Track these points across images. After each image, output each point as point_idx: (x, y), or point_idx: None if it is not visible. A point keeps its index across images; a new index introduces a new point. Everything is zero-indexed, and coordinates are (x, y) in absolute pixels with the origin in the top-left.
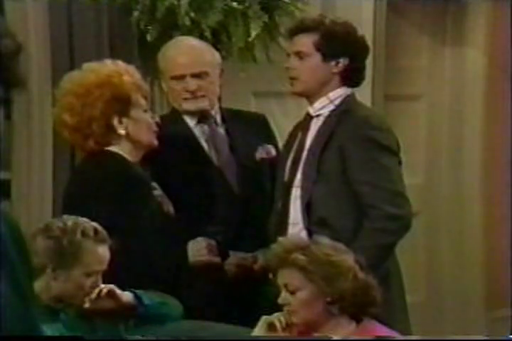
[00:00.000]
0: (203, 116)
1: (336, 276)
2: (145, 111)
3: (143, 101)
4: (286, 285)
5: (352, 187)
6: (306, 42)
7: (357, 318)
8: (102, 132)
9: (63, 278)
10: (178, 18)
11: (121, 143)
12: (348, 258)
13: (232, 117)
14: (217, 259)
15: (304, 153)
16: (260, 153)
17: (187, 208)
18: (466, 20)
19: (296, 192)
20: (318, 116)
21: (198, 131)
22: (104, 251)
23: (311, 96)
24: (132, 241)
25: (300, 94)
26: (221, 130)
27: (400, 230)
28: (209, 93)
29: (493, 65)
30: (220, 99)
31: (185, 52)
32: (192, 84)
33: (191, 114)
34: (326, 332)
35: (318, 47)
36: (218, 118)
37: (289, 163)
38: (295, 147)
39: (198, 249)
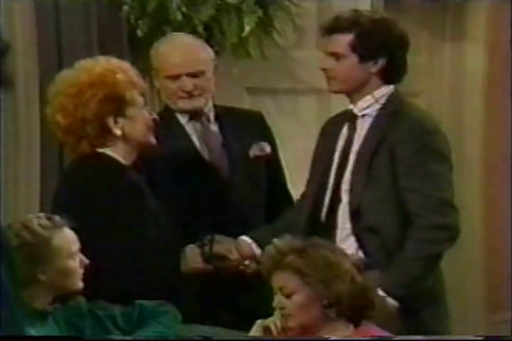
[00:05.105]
0: (195, 114)
1: (333, 279)
2: (142, 108)
3: (139, 99)
4: (281, 289)
5: (399, 193)
6: (341, 42)
7: (355, 322)
8: (97, 133)
9: (51, 271)
10: (170, 13)
11: (116, 144)
12: (345, 260)
13: (226, 114)
14: (210, 267)
15: (352, 156)
16: (254, 151)
17: (178, 207)
18: (466, 16)
19: (344, 197)
20: (364, 115)
21: (190, 128)
22: (68, 232)
23: (351, 95)
24: (125, 250)
25: (338, 93)
26: (214, 127)
27: (447, 240)
28: (205, 91)
29: (494, 62)
30: (213, 96)
31: (180, 50)
32: (188, 83)
33: (184, 111)
34: (323, 336)
35: (355, 49)
36: (211, 116)
37: (334, 165)
38: (340, 148)
39: (193, 256)
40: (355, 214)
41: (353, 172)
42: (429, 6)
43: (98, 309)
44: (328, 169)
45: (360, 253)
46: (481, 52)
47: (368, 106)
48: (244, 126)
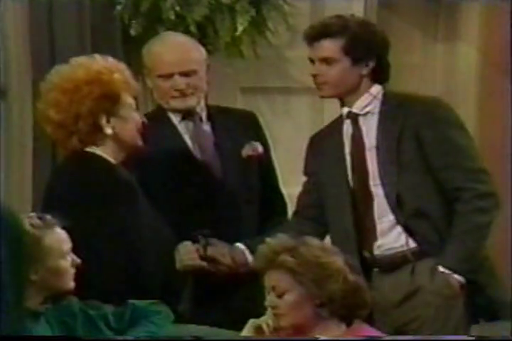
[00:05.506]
0: (188, 113)
1: (325, 278)
2: (134, 110)
3: (132, 101)
4: (274, 288)
5: (434, 173)
6: (332, 47)
7: (347, 321)
8: (88, 130)
9: (42, 270)
10: (163, 12)
11: (105, 143)
12: (337, 259)
13: (218, 114)
14: (205, 263)
15: (369, 152)
16: (247, 151)
17: (170, 207)
18: (458, 16)
19: (377, 191)
20: (366, 113)
21: (183, 127)
22: (60, 231)
23: (344, 98)
24: (117, 249)
25: (330, 97)
26: (206, 127)
27: (494, 207)
28: (197, 90)
29: (486, 62)
30: (206, 96)
31: (172, 49)
32: (181, 82)
33: (177, 111)
34: (315, 336)
35: (347, 52)
36: (204, 115)
37: (348, 166)
38: (348, 150)
39: (187, 253)
40: (396, 204)
41: (380, 166)
42: (422, 6)
43: (90, 309)
44: (344, 174)
45: (411, 243)
46: (473, 53)
47: (367, 103)
48: (236, 126)
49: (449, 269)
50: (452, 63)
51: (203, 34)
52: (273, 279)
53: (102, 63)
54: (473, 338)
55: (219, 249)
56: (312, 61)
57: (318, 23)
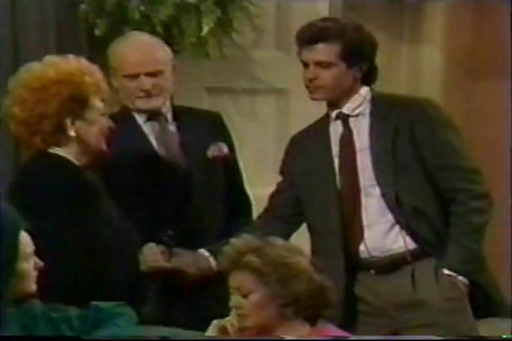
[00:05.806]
0: (153, 114)
1: (290, 278)
2: (101, 114)
3: (100, 105)
4: (238, 288)
5: (430, 173)
6: (328, 51)
7: (311, 321)
8: (52, 131)
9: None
10: (128, 12)
11: (69, 144)
12: (302, 259)
13: (184, 115)
14: (169, 265)
15: (360, 153)
16: (212, 151)
17: (136, 208)
18: (422, 17)
19: (372, 192)
20: (357, 115)
21: (148, 128)
22: (22, 234)
23: (336, 100)
24: (81, 251)
25: (322, 100)
26: (172, 127)
27: (489, 207)
28: (163, 91)
29: (450, 63)
30: (172, 96)
31: (138, 49)
32: (146, 83)
33: (142, 111)
34: (280, 336)
35: (343, 57)
36: (169, 116)
37: (336, 167)
38: (336, 151)
39: (152, 255)
40: (394, 204)
41: (375, 167)
42: (386, 8)
43: (53, 311)
44: (331, 175)
45: (410, 244)
46: (437, 54)
47: (358, 105)
48: (202, 126)
49: (453, 271)
50: (417, 64)
51: (169, 34)
52: (238, 280)
53: (74, 64)
54: (441, 338)
55: (184, 259)
56: (305, 64)
57: (314, 25)
